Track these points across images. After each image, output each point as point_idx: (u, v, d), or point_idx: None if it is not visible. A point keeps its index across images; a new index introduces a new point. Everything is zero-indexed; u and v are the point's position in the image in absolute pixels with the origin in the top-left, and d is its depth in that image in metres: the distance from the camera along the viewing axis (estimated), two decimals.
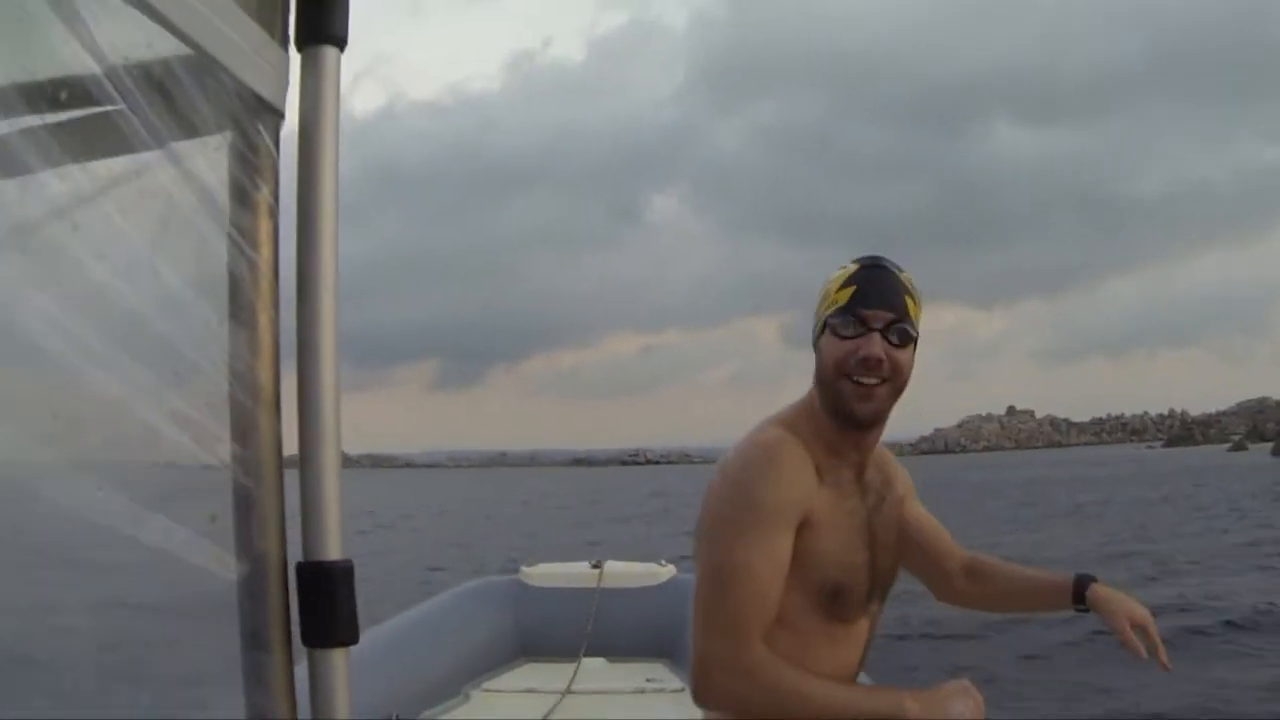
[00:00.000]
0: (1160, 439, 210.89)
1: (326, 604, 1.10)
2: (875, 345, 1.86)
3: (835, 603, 1.94)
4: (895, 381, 1.90)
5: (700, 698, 1.84)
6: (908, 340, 1.90)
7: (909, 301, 1.91)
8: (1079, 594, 2.07)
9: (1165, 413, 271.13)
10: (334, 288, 1.06)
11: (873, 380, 1.87)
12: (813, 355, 1.97)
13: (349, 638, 1.11)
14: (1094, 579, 2.09)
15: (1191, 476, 45.41)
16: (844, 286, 1.91)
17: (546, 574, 4.82)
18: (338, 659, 1.11)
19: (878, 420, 1.94)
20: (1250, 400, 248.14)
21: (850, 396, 1.89)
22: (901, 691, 1.76)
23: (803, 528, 1.86)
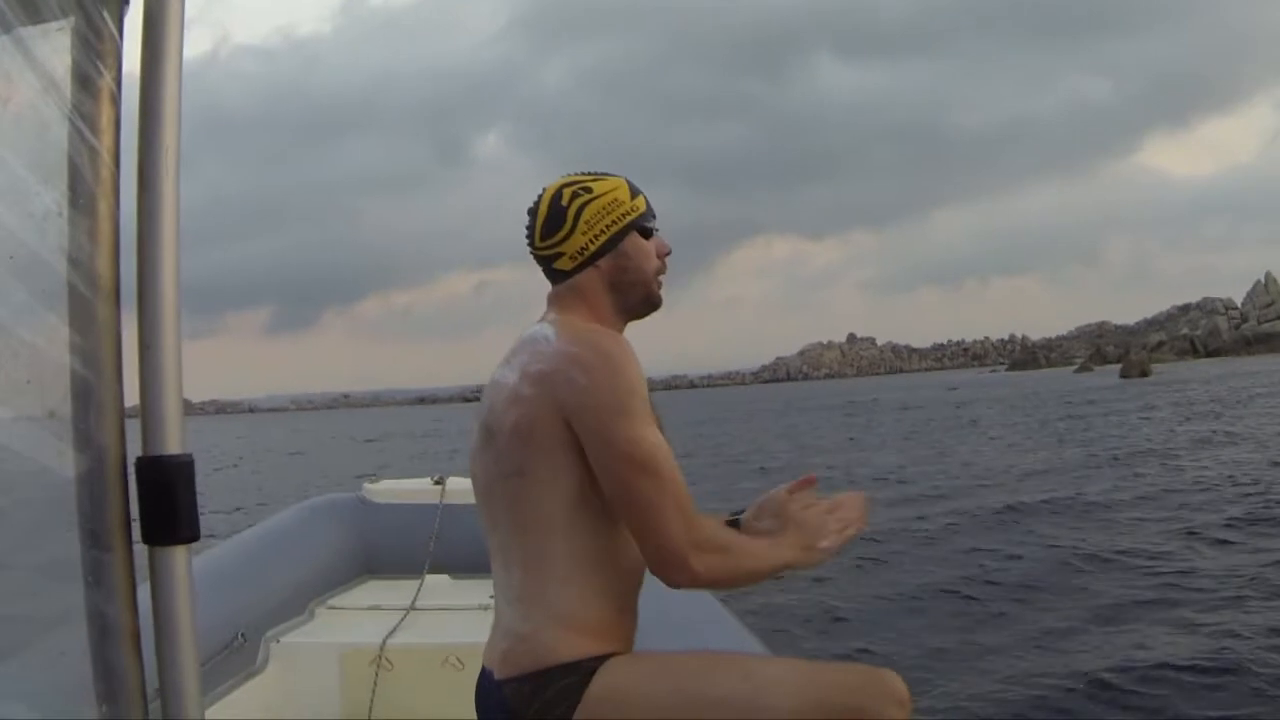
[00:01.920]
0: (1002, 363, 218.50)
1: (167, 500, 1.11)
2: (665, 242, 2.24)
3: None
4: None
5: (680, 581, 1.95)
6: None
7: None
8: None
9: (1006, 338, 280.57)
10: (175, 176, 1.08)
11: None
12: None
13: (190, 535, 1.13)
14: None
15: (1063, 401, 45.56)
16: (635, 195, 2.20)
17: (389, 490, 4.84)
18: (179, 556, 1.13)
19: None
20: (1089, 324, 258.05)
21: (657, 288, 2.23)
22: (784, 538, 2.07)
23: None
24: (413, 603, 4.10)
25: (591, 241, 2.16)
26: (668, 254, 2.23)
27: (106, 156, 1.03)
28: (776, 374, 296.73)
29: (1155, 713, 5.35)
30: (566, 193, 2.17)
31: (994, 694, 5.72)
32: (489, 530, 2.15)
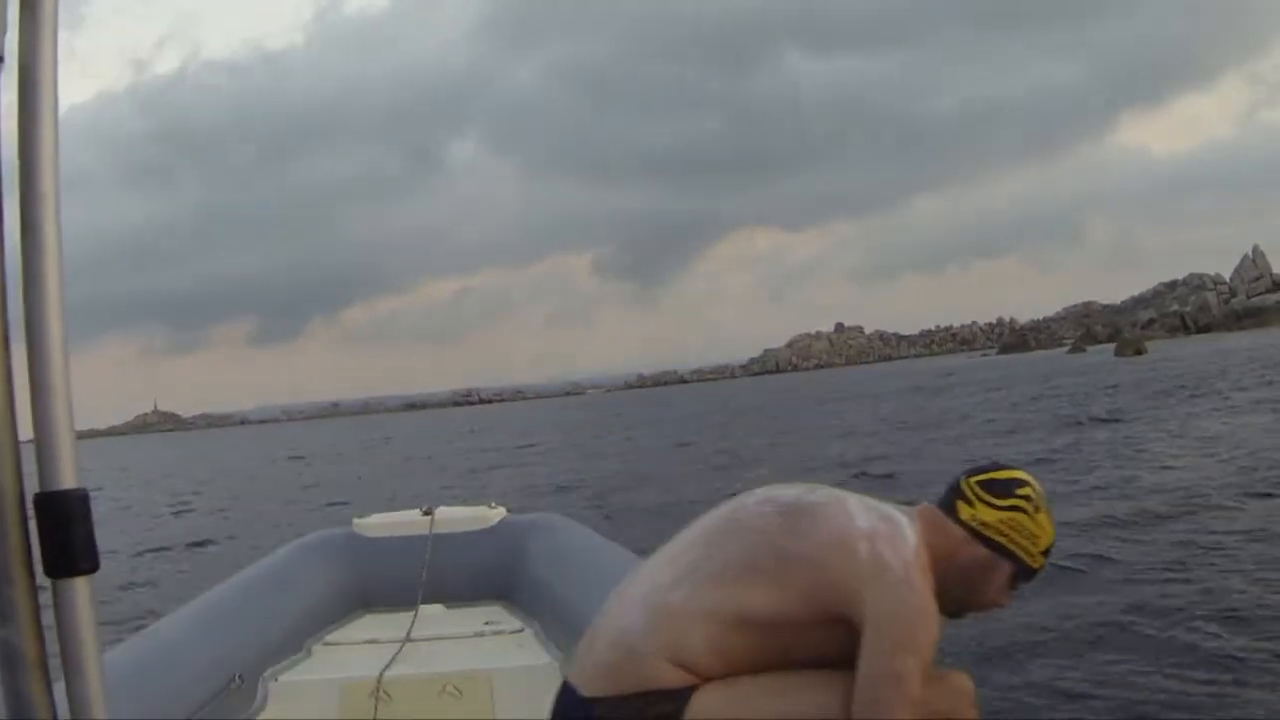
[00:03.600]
0: (992, 347, 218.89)
1: (65, 534, 1.15)
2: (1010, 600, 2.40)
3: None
4: None
5: (876, 710, 2.08)
6: None
7: None
8: None
9: (994, 321, 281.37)
10: (55, 219, 1.13)
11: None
12: None
13: (89, 566, 1.17)
14: None
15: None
16: (1046, 555, 2.36)
17: (378, 524, 4.91)
18: (81, 587, 1.16)
19: None
20: (1076, 305, 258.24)
21: (972, 611, 2.40)
22: None
23: None
24: (408, 634, 4.17)
25: (990, 531, 2.31)
26: (1002, 605, 2.40)
27: None
28: (766, 366, 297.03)
29: None
30: (1031, 493, 2.35)
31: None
32: (697, 545, 2.28)
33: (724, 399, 73.84)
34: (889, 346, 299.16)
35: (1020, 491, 2.33)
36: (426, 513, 4.92)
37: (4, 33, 1.10)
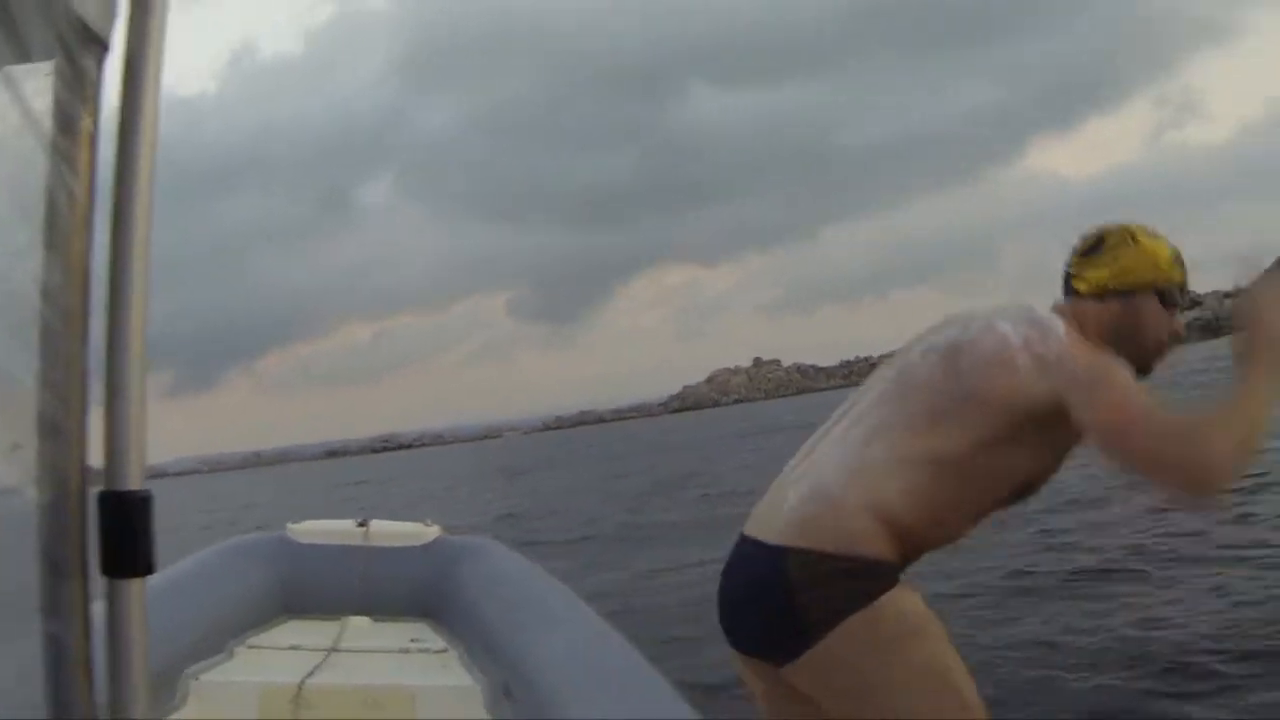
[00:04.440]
0: None
1: (127, 534, 1.18)
2: (1182, 324, 2.38)
3: (1024, 489, 2.35)
4: None
5: (1204, 487, 2.07)
6: None
7: None
8: None
9: None
10: (148, 219, 1.15)
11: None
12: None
13: (146, 568, 1.19)
14: None
15: None
16: (1176, 264, 2.37)
17: (312, 530, 4.89)
18: (135, 588, 1.19)
19: None
20: None
21: (1157, 358, 2.38)
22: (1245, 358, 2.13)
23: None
24: (334, 644, 4.14)
25: (1112, 280, 2.36)
26: (1177, 336, 2.38)
27: (81, 195, 1.09)
28: (685, 402, 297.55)
29: None
30: (1118, 232, 2.39)
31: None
32: (877, 407, 2.31)
33: (645, 438, 73.64)
34: (808, 379, 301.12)
35: (1109, 239, 2.40)
36: (361, 524, 4.89)
37: (113, 20, 1.13)
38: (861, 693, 2.13)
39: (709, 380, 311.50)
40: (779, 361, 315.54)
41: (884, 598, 2.09)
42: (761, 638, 2.22)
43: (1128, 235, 2.38)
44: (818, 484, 2.22)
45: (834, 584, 2.09)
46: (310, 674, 3.79)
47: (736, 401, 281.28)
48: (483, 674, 3.78)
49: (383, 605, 4.56)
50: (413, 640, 4.31)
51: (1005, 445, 2.20)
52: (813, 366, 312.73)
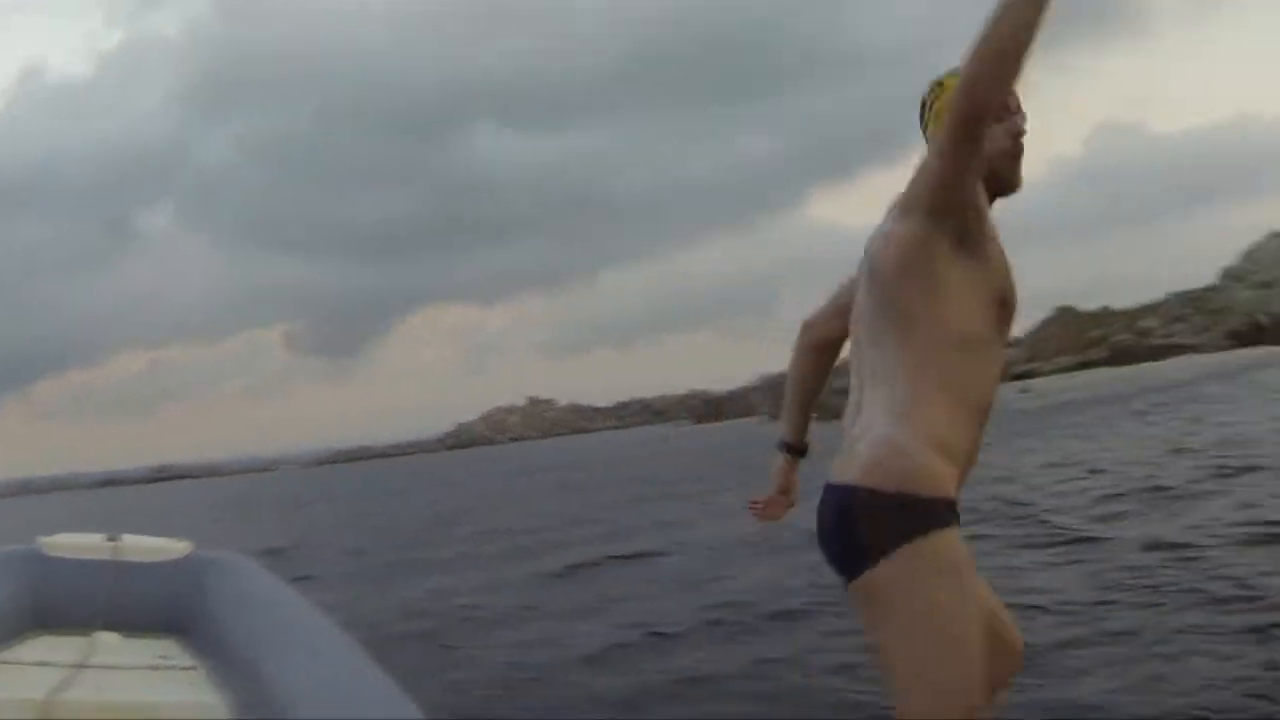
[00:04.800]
0: (687, 418, 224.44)
1: None
2: (1018, 125, 2.50)
3: (1004, 310, 2.44)
4: None
5: (970, 96, 2.20)
6: None
7: None
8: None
9: (687, 392, 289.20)
10: None
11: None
12: None
13: None
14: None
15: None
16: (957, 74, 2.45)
17: (62, 544, 4.67)
18: None
19: None
20: (773, 374, 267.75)
21: (1013, 164, 2.52)
22: None
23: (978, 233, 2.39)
24: (82, 660, 3.98)
25: (943, 115, 2.39)
26: (1018, 134, 2.48)
27: None
28: (461, 440, 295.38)
29: None
30: (930, 89, 2.57)
31: None
32: (861, 343, 2.51)
33: (423, 473, 73.34)
34: (584, 418, 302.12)
35: (926, 100, 2.59)
36: (112, 539, 4.73)
37: None
38: (888, 616, 2.29)
39: (484, 418, 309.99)
40: (554, 401, 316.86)
41: (931, 539, 2.25)
42: (835, 558, 2.40)
43: (936, 86, 2.56)
44: (870, 429, 2.38)
45: (888, 517, 2.27)
46: (56, 690, 3.64)
47: (512, 440, 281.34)
48: (231, 692, 3.72)
49: (132, 621, 4.43)
50: (161, 657, 4.18)
51: (946, 302, 2.34)
52: (589, 406, 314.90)
